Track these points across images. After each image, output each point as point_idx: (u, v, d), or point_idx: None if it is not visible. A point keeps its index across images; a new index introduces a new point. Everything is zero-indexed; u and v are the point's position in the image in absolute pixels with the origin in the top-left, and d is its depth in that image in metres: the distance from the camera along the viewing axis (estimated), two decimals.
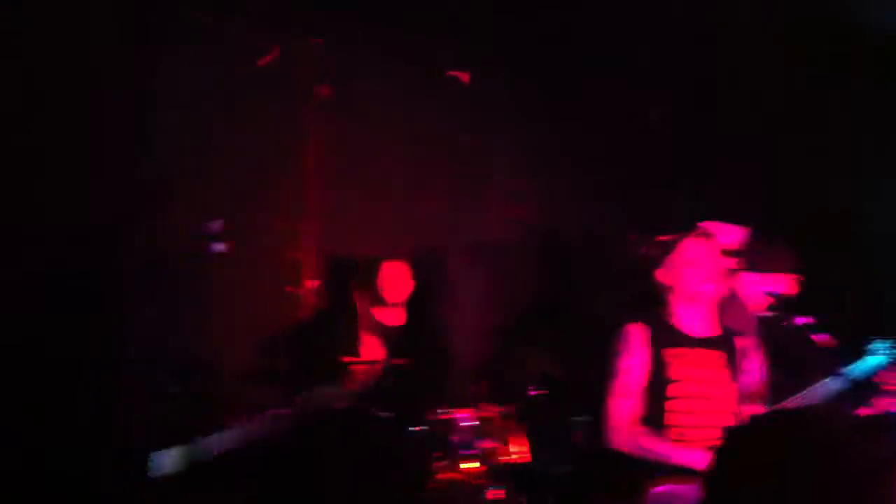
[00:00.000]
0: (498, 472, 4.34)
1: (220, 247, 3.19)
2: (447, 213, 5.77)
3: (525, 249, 5.97)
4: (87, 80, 4.20)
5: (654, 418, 3.61)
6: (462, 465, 4.32)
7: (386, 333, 4.81)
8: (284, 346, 5.08)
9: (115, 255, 4.10)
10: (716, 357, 3.70)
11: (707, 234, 3.76)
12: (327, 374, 4.58)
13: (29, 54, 3.95)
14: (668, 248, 3.73)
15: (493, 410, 4.44)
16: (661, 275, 3.75)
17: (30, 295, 3.69)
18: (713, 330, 3.76)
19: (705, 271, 3.68)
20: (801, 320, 3.70)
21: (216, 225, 3.20)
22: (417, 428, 4.40)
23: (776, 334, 4.03)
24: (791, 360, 4.44)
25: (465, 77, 5.66)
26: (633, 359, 3.65)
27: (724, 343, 3.75)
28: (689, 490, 3.38)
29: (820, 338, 3.74)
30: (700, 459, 3.38)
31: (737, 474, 1.52)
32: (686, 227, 3.82)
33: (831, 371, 3.61)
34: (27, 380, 3.66)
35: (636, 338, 3.68)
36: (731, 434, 1.62)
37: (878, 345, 3.66)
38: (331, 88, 5.37)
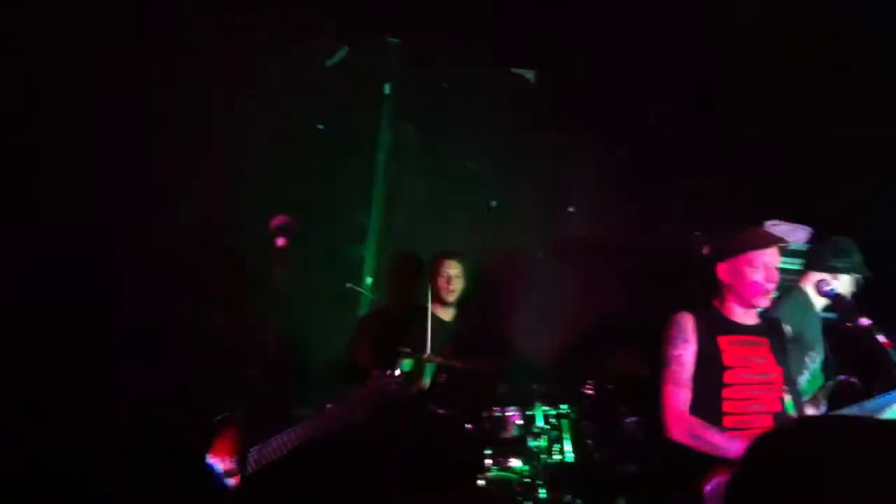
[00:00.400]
0: (549, 472, 4.32)
1: (282, 241, 3.23)
2: (521, 213, 5.76)
3: (596, 246, 5.91)
4: (88, 79, 4.28)
5: (711, 406, 3.58)
6: (512, 463, 4.32)
7: (444, 330, 4.84)
8: (346, 342, 5.17)
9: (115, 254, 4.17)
10: (765, 342, 3.71)
11: (776, 243, 3.70)
12: (386, 370, 4.65)
13: (29, 54, 4.06)
14: (736, 249, 3.70)
15: (546, 409, 4.42)
16: (722, 270, 3.75)
17: (30, 295, 3.78)
18: (756, 317, 3.79)
19: (766, 280, 3.66)
20: (865, 322, 3.57)
21: (279, 220, 3.26)
22: (470, 425, 4.42)
23: (843, 335, 3.93)
24: (859, 361, 4.30)
25: (529, 75, 5.65)
26: (684, 348, 3.65)
27: (768, 330, 3.76)
28: None
29: (884, 339, 3.61)
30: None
31: (764, 481, 1.57)
32: (755, 225, 3.76)
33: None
34: (27, 379, 3.77)
35: (686, 326, 3.68)
36: (763, 440, 1.68)
37: None
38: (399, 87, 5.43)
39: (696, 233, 5.35)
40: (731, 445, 3.42)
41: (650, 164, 5.97)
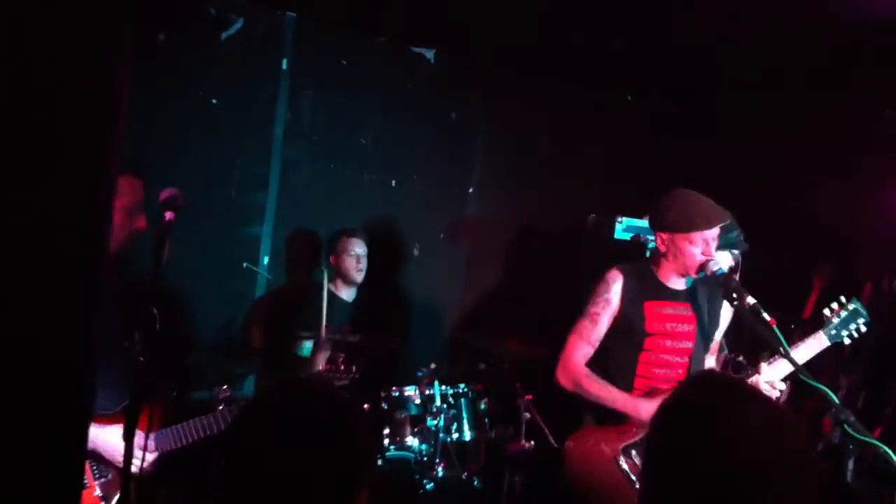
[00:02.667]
0: (447, 450, 4.34)
1: (170, 216, 3.09)
2: (420, 193, 5.73)
3: (497, 227, 5.95)
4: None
5: (625, 367, 3.69)
6: (410, 442, 4.31)
7: (344, 310, 4.80)
8: (245, 321, 5.08)
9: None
10: (688, 311, 3.77)
11: (721, 222, 3.70)
12: (288, 349, 4.59)
13: None
14: (680, 227, 3.67)
15: (444, 388, 4.43)
16: (662, 239, 3.73)
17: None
18: (689, 282, 3.81)
19: (703, 254, 3.68)
20: (751, 300, 3.68)
21: (166, 193, 3.11)
22: (367, 405, 4.39)
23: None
24: (746, 339, 4.44)
25: (430, 55, 5.61)
26: (604, 307, 3.71)
27: (697, 297, 3.81)
28: (614, 436, 3.44)
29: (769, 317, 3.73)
30: (635, 407, 3.49)
31: (676, 427, 1.67)
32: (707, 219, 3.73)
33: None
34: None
35: (613, 287, 3.72)
36: (672, 396, 1.76)
37: None
38: (297, 62, 5.32)
39: (592, 215, 5.45)
40: (612, 399, 3.55)
41: (550, 147, 6.05)
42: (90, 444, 2.88)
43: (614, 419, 3.58)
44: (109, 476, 3.16)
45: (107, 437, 3.10)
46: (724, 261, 4.30)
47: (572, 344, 3.72)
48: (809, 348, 3.64)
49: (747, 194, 4.72)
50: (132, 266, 3.34)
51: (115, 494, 3.11)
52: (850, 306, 3.69)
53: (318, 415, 1.74)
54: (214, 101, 5.00)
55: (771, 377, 3.56)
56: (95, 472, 3.13)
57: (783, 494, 1.55)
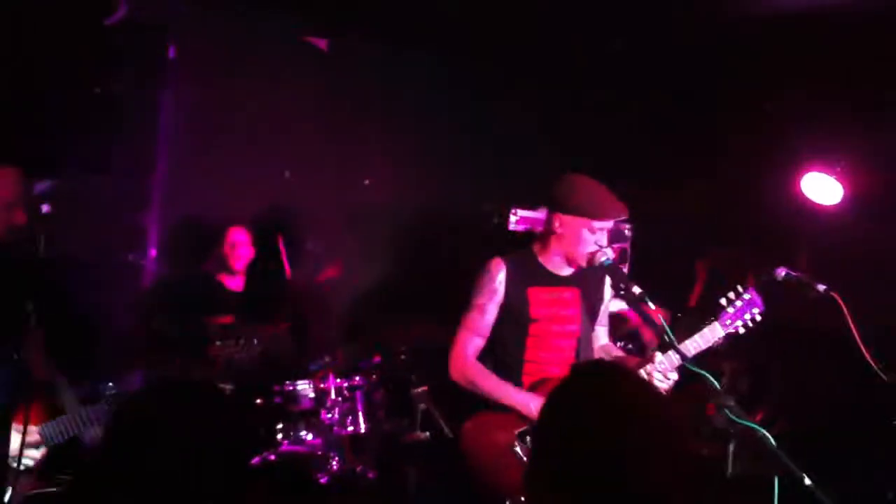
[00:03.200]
0: (342, 444, 4.31)
1: (46, 208, 2.98)
2: (315, 183, 5.66)
3: (393, 218, 5.92)
4: None
5: (513, 353, 3.67)
6: (304, 436, 4.27)
7: (231, 300, 4.71)
8: (129, 314, 4.92)
9: None
10: (574, 295, 3.76)
11: (621, 215, 3.70)
12: (172, 341, 4.47)
13: None
14: (581, 211, 3.62)
15: (339, 381, 4.40)
16: (558, 219, 3.67)
17: None
18: (571, 268, 3.78)
19: (597, 243, 3.66)
20: (636, 289, 3.74)
21: (42, 185, 2.99)
22: (260, 400, 4.33)
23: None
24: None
25: (322, 44, 5.55)
26: (489, 297, 3.67)
27: (582, 280, 3.79)
28: (509, 420, 3.48)
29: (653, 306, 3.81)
30: (526, 404, 3.50)
31: (563, 414, 1.76)
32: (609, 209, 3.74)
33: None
34: None
35: (496, 275, 3.68)
36: (560, 383, 1.83)
37: None
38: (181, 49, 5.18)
39: (486, 203, 5.49)
40: (504, 395, 3.56)
41: (446, 135, 6.04)
42: None
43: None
44: None
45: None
46: (609, 252, 4.38)
47: (462, 339, 3.69)
48: (704, 338, 3.68)
49: (631, 186, 4.81)
50: (14, 261, 3.19)
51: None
52: (746, 296, 3.74)
53: (186, 425, 1.75)
54: (98, 90, 4.82)
55: (665, 366, 3.61)
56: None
57: (658, 474, 1.65)
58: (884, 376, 3.90)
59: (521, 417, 3.54)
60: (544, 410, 1.80)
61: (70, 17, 4.71)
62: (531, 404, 3.49)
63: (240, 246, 4.79)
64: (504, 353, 3.69)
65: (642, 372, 3.54)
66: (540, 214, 4.93)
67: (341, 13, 5.31)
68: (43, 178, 3.09)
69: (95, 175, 4.80)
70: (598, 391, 1.76)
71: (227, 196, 5.22)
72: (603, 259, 3.66)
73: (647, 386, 1.98)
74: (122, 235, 5.02)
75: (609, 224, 3.68)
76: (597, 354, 3.87)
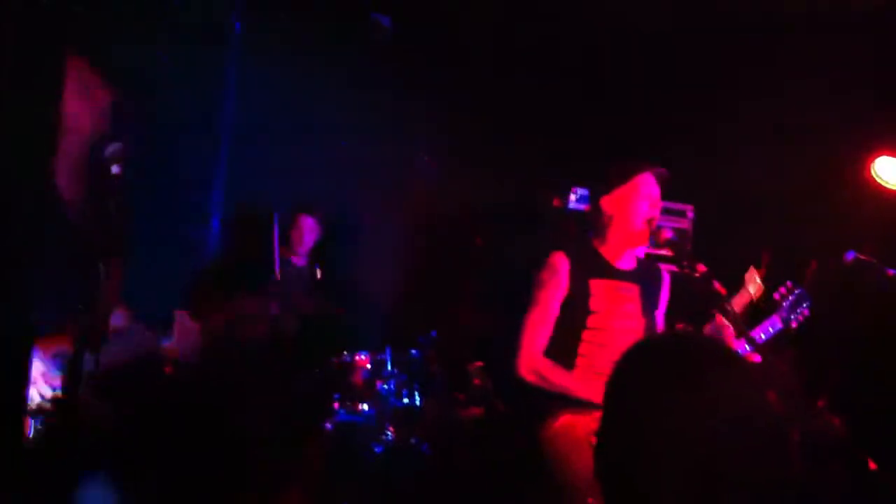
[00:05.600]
0: (397, 415, 4.32)
1: (116, 169, 3.00)
2: (367, 164, 5.68)
3: (446, 201, 5.92)
4: None
5: (567, 346, 3.59)
6: (360, 407, 4.29)
7: (295, 279, 4.77)
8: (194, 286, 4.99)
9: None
10: (633, 291, 3.69)
11: (662, 174, 3.68)
12: (237, 314, 4.52)
13: None
14: (624, 177, 3.62)
15: (396, 354, 4.42)
16: (606, 202, 3.66)
17: None
18: (633, 262, 3.74)
19: (651, 207, 3.62)
20: (702, 267, 3.68)
21: (112, 147, 3.01)
22: (317, 370, 4.37)
23: (679, 282, 4.06)
24: (694, 309, 4.49)
25: (386, 21, 5.56)
26: (554, 291, 3.61)
27: (641, 275, 3.74)
28: (590, 421, 3.42)
29: (718, 286, 3.76)
30: (598, 391, 3.40)
31: (633, 391, 1.58)
32: (643, 160, 3.72)
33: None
34: None
35: (560, 269, 3.63)
36: (629, 353, 1.67)
37: None
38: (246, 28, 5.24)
39: (543, 187, 5.45)
40: (577, 388, 3.48)
41: (502, 118, 6.03)
42: None
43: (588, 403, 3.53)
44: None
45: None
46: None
47: (528, 335, 3.60)
48: (764, 330, 3.64)
49: (693, 170, 4.75)
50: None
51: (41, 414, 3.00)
52: (797, 290, 3.67)
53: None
54: (165, 57, 4.89)
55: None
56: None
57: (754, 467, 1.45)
58: None
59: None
60: (610, 382, 1.65)
61: None
62: None
63: (306, 231, 4.93)
64: (558, 345, 3.61)
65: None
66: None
67: None
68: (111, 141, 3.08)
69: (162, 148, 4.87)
70: (676, 357, 1.56)
71: (289, 173, 5.27)
72: (669, 235, 3.62)
73: (735, 353, 1.81)
74: (186, 208, 5.09)
75: (656, 191, 3.63)
76: None
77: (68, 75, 2.95)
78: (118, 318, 3.22)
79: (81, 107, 3.02)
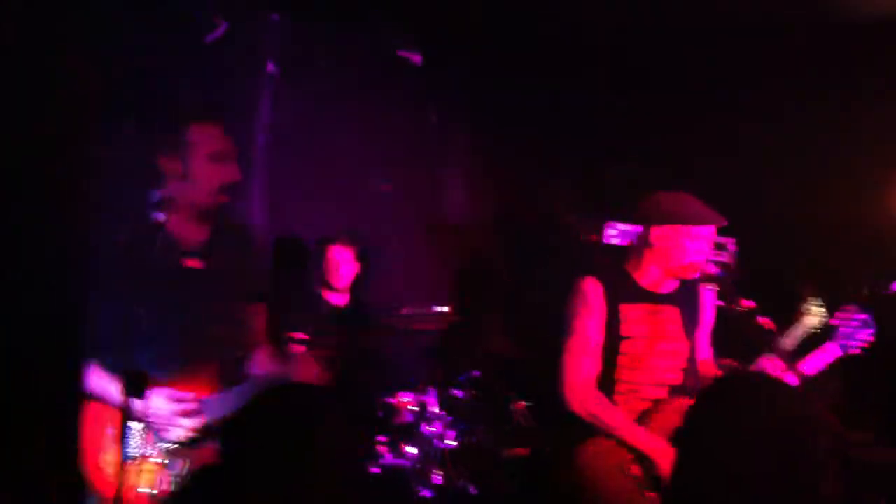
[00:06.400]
0: (443, 457, 4.32)
1: (160, 216, 3.02)
2: (401, 197, 5.71)
3: (481, 231, 5.93)
4: None
5: (605, 373, 3.56)
6: (406, 448, 4.30)
7: (333, 315, 4.77)
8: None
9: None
10: (673, 313, 3.65)
11: (720, 223, 3.61)
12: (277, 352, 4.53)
13: None
14: (684, 220, 3.57)
15: (439, 394, 4.42)
16: (657, 232, 3.60)
17: None
18: (671, 285, 3.69)
19: (701, 254, 3.59)
20: (747, 303, 3.66)
21: (157, 194, 3.03)
22: (361, 411, 4.37)
23: (725, 318, 4.02)
24: (740, 344, 4.47)
25: (416, 58, 5.59)
26: (589, 316, 3.57)
27: (680, 298, 3.69)
28: (623, 448, 3.41)
29: (764, 321, 3.73)
30: (648, 440, 3.40)
31: (707, 434, 1.64)
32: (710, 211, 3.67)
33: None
34: None
35: (592, 293, 3.59)
36: (702, 396, 1.74)
37: None
38: (281, 66, 5.27)
39: (579, 219, 5.46)
40: (627, 430, 3.45)
41: (534, 147, 6.02)
42: (135, 414, 2.75)
43: None
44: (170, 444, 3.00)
45: (153, 404, 2.89)
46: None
47: (572, 366, 3.56)
48: (818, 359, 3.60)
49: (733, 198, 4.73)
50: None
51: (179, 460, 2.98)
52: (859, 316, 3.61)
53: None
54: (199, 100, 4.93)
55: None
56: (156, 439, 2.94)
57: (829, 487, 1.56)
58: None
59: None
60: (686, 428, 1.69)
61: (172, 35, 4.83)
62: (660, 449, 3.37)
63: (343, 264, 4.84)
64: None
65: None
66: (634, 229, 4.90)
67: (439, 29, 5.34)
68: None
69: None
70: (755, 402, 1.63)
71: (324, 209, 5.29)
72: (715, 269, 3.60)
73: (802, 395, 1.87)
74: None
75: (710, 232, 3.60)
76: (702, 372, 3.79)
77: (201, 141, 3.02)
78: (260, 364, 3.21)
79: (210, 168, 3.04)
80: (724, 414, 1.66)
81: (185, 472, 2.93)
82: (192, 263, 3.05)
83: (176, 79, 4.84)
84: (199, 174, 2.99)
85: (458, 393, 4.47)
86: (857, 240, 4.90)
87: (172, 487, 2.88)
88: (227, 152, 3.06)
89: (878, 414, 4.60)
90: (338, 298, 4.89)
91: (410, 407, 4.37)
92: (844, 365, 4.19)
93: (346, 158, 5.52)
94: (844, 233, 4.94)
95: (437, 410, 4.39)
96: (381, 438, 4.30)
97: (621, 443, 3.43)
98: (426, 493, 4.19)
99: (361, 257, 4.93)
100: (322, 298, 4.80)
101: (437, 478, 4.26)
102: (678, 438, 1.73)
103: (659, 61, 5.52)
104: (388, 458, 4.30)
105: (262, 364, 3.19)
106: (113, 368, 2.83)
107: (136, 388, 2.58)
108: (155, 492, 2.88)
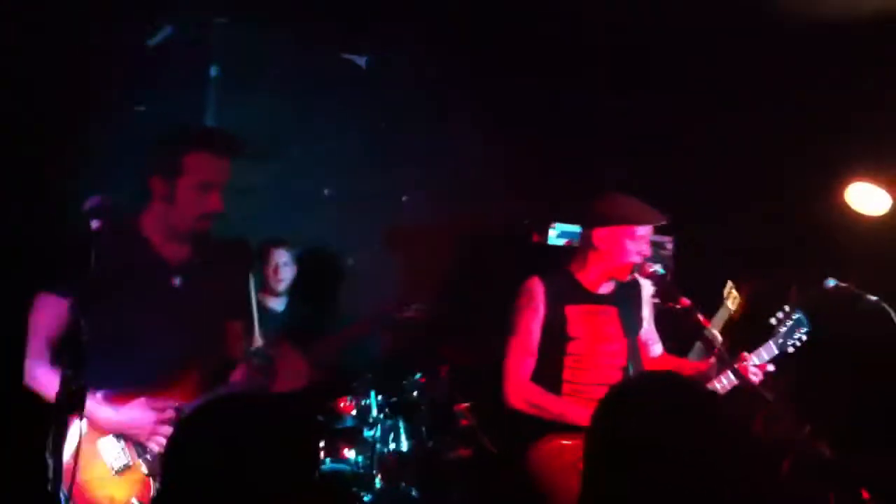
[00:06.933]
0: (384, 462, 4.30)
1: (97, 224, 2.99)
2: (353, 201, 5.67)
3: (435, 237, 5.90)
4: None
5: (551, 374, 3.63)
6: (346, 453, 4.27)
7: (274, 320, 4.72)
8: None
9: None
10: (612, 313, 3.73)
11: (660, 221, 3.71)
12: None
13: None
14: (625, 220, 3.65)
15: (381, 399, 4.40)
16: (598, 235, 3.69)
17: None
18: (610, 286, 3.77)
19: (640, 254, 3.68)
20: (686, 301, 3.70)
21: (93, 201, 3.00)
22: (301, 416, 4.33)
23: (664, 316, 4.07)
24: (679, 340, 4.50)
25: (361, 61, 5.57)
26: (532, 316, 3.65)
27: (619, 298, 3.77)
28: (578, 445, 3.41)
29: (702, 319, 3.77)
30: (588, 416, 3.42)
31: (617, 431, 1.66)
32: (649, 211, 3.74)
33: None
34: None
35: (536, 293, 3.67)
36: (613, 392, 1.77)
37: None
38: (226, 70, 5.23)
39: (526, 221, 5.46)
40: (570, 412, 3.51)
41: (482, 152, 6.01)
42: (114, 426, 2.86)
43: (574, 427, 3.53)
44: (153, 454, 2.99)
45: (130, 415, 2.93)
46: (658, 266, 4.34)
47: (513, 363, 3.65)
48: (759, 358, 3.65)
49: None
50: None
51: None
52: (794, 315, 3.69)
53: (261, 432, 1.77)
54: (142, 108, 4.88)
55: (725, 384, 3.59)
56: (138, 450, 2.94)
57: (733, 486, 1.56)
58: None
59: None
60: (594, 419, 1.72)
61: (114, 38, 4.78)
62: None
63: (283, 267, 4.80)
64: (542, 373, 3.65)
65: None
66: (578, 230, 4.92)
67: (383, 31, 5.31)
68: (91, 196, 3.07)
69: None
70: (657, 399, 1.66)
71: (268, 215, 5.25)
72: (654, 268, 3.65)
73: (714, 395, 1.89)
74: None
75: (649, 231, 3.67)
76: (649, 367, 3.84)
77: (194, 170, 3.03)
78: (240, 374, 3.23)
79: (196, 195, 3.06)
80: (631, 411, 1.67)
81: None
82: (174, 279, 3.08)
83: (120, 82, 4.81)
84: (183, 200, 3.01)
85: (399, 396, 4.43)
86: (792, 237, 4.94)
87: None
88: (217, 183, 3.07)
89: (816, 411, 4.64)
90: (276, 302, 4.85)
91: (351, 411, 4.33)
92: (787, 363, 4.25)
93: (292, 163, 5.49)
94: (778, 230, 4.98)
95: (378, 414, 4.35)
96: (322, 444, 4.27)
97: (574, 440, 3.45)
98: (368, 498, 4.16)
99: (305, 261, 4.90)
100: (261, 302, 4.75)
101: (379, 482, 4.23)
102: (591, 430, 1.75)
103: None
104: (329, 462, 4.26)
105: (240, 374, 3.22)
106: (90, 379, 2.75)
107: (72, 403, 2.55)
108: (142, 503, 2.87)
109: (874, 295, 3.94)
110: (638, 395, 1.72)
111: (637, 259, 3.67)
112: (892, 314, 3.85)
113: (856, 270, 4.24)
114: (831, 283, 4.03)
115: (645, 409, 1.64)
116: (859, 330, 4.14)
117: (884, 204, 4.57)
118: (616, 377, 3.66)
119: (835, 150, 4.77)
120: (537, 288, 3.68)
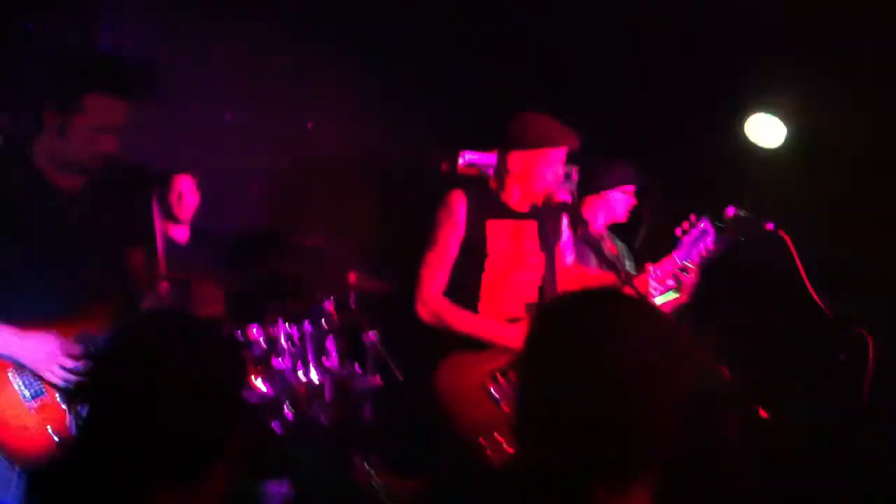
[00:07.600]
0: (293, 391, 4.28)
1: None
2: (257, 127, 5.53)
3: (342, 165, 5.82)
4: None
5: (468, 288, 3.63)
6: (255, 382, 4.23)
7: (175, 250, 4.61)
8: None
9: None
10: (532, 228, 3.74)
11: (573, 143, 3.69)
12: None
13: None
14: (539, 143, 3.62)
15: (289, 328, 4.35)
16: (514, 159, 3.67)
17: None
18: (531, 203, 3.77)
19: (553, 178, 3.68)
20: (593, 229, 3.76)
21: None
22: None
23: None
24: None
25: None
26: (452, 229, 3.63)
27: (538, 213, 3.78)
28: (481, 360, 3.46)
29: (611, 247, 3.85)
30: (500, 331, 3.47)
31: (558, 344, 1.56)
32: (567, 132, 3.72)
33: None
34: None
35: (457, 208, 3.63)
36: (553, 305, 1.70)
37: None
38: None
39: (433, 148, 5.42)
40: (483, 329, 3.53)
41: (391, 80, 5.92)
42: (13, 355, 2.75)
43: (480, 345, 3.55)
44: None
45: (27, 344, 2.80)
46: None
47: (427, 276, 3.62)
48: (663, 269, 3.70)
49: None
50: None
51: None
52: (700, 225, 3.71)
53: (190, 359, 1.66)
54: (31, 26, 4.63)
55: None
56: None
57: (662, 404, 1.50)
58: (828, 312, 3.97)
59: (495, 355, 3.49)
60: (528, 337, 1.66)
61: None
62: (512, 334, 3.44)
63: (186, 195, 4.67)
64: (458, 289, 3.64)
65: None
66: (491, 156, 4.90)
67: None
68: None
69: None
70: (591, 311, 1.59)
71: (169, 140, 5.08)
72: (561, 198, 3.68)
73: (649, 305, 1.86)
74: None
75: (563, 154, 3.66)
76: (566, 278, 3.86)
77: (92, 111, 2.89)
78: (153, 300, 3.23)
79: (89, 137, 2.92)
80: (556, 322, 1.61)
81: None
82: (71, 209, 2.99)
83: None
84: (78, 139, 2.89)
85: (309, 326, 4.39)
86: (699, 169, 5.04)
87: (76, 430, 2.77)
88: (114, 127, 2.94)
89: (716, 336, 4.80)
90: (180, 233, 4.73)
91: (258, 340, 4.27)
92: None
93: (195, 89, 5.30)
94: (683, 163, 5.08)
95: (287, 344, 4.31)
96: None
97: (479, 358, 3.47)
98: (277, 428, 4.13)
99: (209, 189, 4.77)
100: (165, 233, 4.63)
101: (289, 412, 4.21)
102: (525, 347, 1.67)
103: None
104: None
105: (152, 303, 3.22)
106: None
107: None
108: (60, 436, 2.78)
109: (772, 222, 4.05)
110: (580, 307, 1.65)
111: (550, 182, 3.67)
112: (788, 241, 3.96)
113: (755, 199, 4.37)
114: (731, 212, 4.11)
115: (588, 321, 1.59)
116: (758, 254, 4.27)
117: (780, 135, 4.70)
118: (532, 296, 3.69)
119: (737, 83, 4.86)
120: (458, 201, 3.64)
